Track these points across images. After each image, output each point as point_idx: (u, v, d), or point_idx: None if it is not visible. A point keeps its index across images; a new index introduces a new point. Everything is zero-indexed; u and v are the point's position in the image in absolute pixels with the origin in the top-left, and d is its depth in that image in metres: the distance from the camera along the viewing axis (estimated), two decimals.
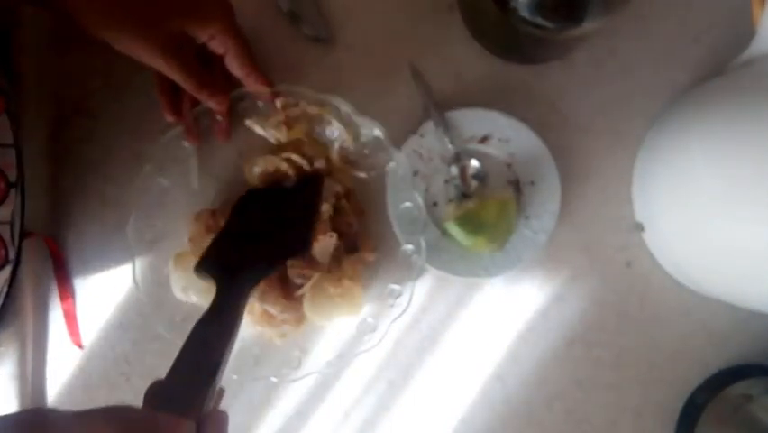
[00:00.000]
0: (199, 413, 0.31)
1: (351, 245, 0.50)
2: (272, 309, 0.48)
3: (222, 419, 0.32)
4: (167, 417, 0.29)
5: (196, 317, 0.48)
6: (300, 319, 0.49)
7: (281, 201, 0.48)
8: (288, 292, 0.48)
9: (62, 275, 0.52)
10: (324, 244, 0.48)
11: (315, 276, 0.48)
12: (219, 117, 0.50)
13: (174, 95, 0.50)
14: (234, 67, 0.48)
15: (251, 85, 0.48)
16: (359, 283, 0.49)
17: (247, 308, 0.48)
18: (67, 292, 0.52)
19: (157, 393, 0.32)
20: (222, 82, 0.49)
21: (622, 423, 0.51)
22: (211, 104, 0.48)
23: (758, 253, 0.40)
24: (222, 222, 0.49)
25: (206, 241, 0.48)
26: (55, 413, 0.28)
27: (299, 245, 0.45)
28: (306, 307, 0.48)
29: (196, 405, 0.31)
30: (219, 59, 0.48)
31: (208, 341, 0.36)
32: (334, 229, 0.49)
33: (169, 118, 0.50)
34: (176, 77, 0.45)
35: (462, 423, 0.51)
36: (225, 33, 0.46)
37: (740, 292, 0.45)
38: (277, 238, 0.46)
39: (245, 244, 0.45)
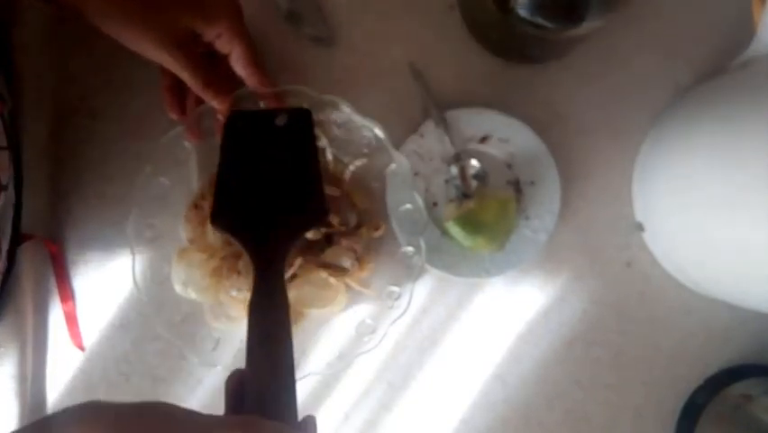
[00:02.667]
0: (296, 413, 0.32)
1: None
2: None
3: (314, 424, 0.33)
4: (290, 429, 0.30)
5: (197, 317, 0.49)
6: (295, 318, 0.49)
7: (274, 136, 0.47)
8: None
9: (62, 277, 0.52)
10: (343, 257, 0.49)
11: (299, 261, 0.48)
12: (220, 117, 0.50)
13: (178, 92, 0.50)
14: (239, 66, 0.48)
15: (255, 85, 0.48)
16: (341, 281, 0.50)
17: (240, 300, 0.48)
18: (67, 294, 0.52)
19: (249, 395, 0.32)
20: (225, 82, 0.49)
21: (622, 423, 0.51)
22: (215, 103, 0.48)
23: (758, 253, 0.40)
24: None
25: (207, 236, 0.48)
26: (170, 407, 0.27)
27: (318, 215, 0.45)
28: (293, 293, 0.48)
29: (294, 406, 0.32)
30: (223, 59, 0.48)
31: (276, 334, 0.35)
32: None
33: (173, 115, 0.50)
34: (182, 73, 0.45)
35: (463, 423, 0.51)
36: (233, 32, 0.46)
37: (740, 292, 0.45)
38: (289, 195, 0.45)
39: (255, 192, 0.44)
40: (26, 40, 0.52)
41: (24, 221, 0.50)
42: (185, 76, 0.45)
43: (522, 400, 0.51)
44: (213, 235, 0.49)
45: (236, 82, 0.49)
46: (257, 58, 0.48)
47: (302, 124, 0.47)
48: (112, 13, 0.42)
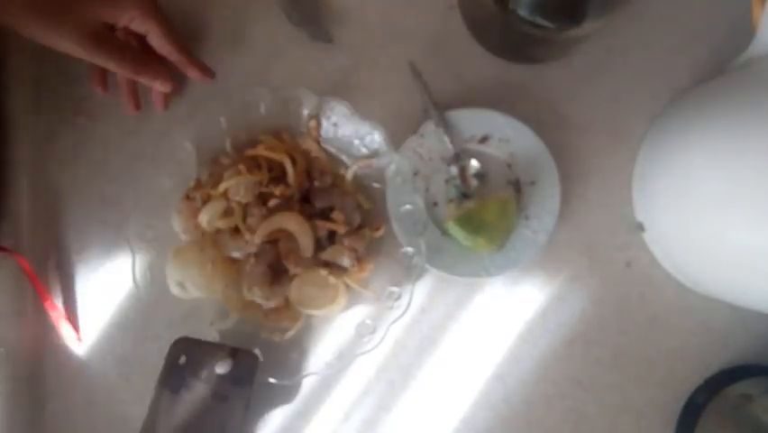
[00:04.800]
0: None
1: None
2: (258, 298, 0.48)
3: None
4: None
5: (196, 316, 0.49)
6: (295, 317, 0.50)
7: (213, 377, 0.45)
8: (276, 278, 0.49)
9: (41, 290, 0.51)
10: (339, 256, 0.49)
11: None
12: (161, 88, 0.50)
13: (104, 69, 0.51)
14: (157, 45, 0.48)
15: (176, 60, 0.49)
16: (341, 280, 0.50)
17: (234, 300, 0.49)
18: (51, 302, 0.51)
19: None
20: (160, 63, 0.49)
21: (622, 423, 0.51)
22: (157, 86, 0.49)
23: (758, 253, 0.40)
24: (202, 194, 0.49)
25: (198, 226, 0.48)
26: None
27: None
28: (293, 293, 0.49)
29: None
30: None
31: None
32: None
33: (97, 89, 0.51)
34: (108, 65, 0.46)
35: (463, 423, 0.51)
36: (144, 13, 0.46)
37: (740, 292, 0.45)
38: None
39: None
40: (24, 41, 0.52)
41: (24, 221, 0.50)
42: (111, 66, 0.46)
43: (522, 400, 0.51)
44: (205, 224, 0.49)
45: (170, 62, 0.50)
46: (175, 35, 0.48)
47: (245, 372, 0.44)
48: (28, 18, 0.42)
